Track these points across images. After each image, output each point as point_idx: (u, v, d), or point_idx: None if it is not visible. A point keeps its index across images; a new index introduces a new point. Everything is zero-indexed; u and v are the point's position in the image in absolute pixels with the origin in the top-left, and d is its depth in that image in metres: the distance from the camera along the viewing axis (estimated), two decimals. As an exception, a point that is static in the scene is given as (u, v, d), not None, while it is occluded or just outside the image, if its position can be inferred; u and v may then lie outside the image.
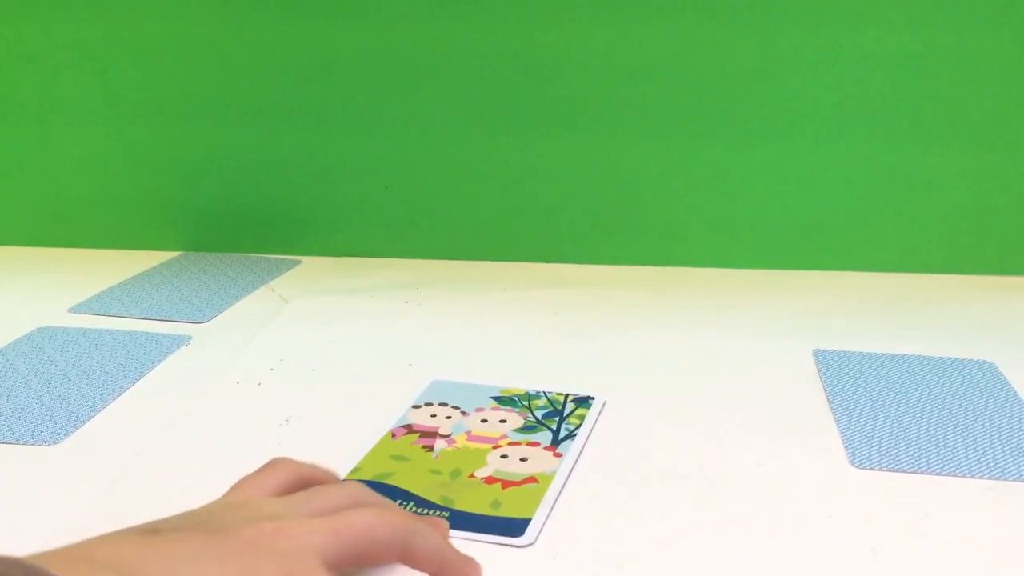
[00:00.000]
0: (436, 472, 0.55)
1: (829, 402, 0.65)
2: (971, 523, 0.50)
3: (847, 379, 0.69)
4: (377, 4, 0.91)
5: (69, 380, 0.69)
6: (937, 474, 0.55)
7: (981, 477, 0.55)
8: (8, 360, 0.72)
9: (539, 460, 0.56)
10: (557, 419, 0.62)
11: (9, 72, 0.97)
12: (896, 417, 0.63)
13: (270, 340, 0.77)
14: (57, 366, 0.71)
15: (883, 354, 0.73)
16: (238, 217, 1.00)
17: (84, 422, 0.62)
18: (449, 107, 0.93)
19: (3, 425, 0.62)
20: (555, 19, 0.89)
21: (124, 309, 0.84)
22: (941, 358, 0.72)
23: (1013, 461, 0.57)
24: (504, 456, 0.57)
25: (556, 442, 0.59)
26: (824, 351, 0.74)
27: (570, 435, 0.60)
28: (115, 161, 0.99)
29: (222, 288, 0.90)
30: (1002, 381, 0.68)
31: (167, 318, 0.82)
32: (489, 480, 0.54)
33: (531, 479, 0.54)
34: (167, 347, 0.75)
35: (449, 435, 0.60)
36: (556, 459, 0.57)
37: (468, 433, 0.60)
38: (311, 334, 0.79)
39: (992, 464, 0.56)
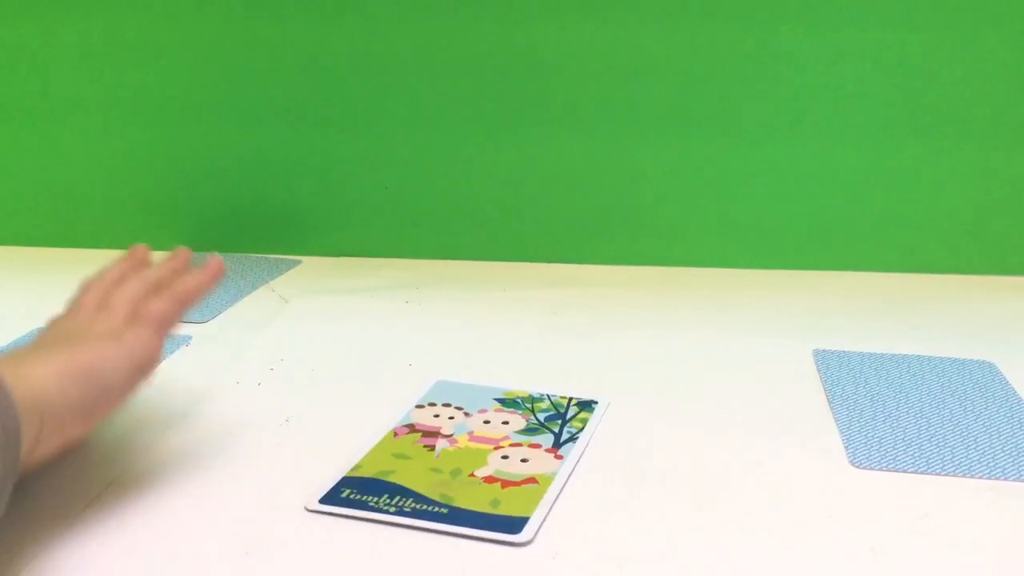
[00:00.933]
0: (437, 471, 0.55)
1: (829, 402, 0.65)
2: (971, 523, 0.50)
3: (847, 379, 0.69)
4: (377, 4, 0.91)
5: (69, 380, 0.68)
6: (937, 474, 0.55)
7: (981, 477, 0.55)
8: (8, 360, 0.72)
9: (540, 461, 0.56)
10: (559, 422, 0.62)
11: (9, 72, 0.97)
12: (896, 417, 0.63)
13: (270, 340, 0.77)
14: (57, 366, 0.71)
15: (883, 354, 0.73)
16: (238, 217, 1.00)
17: (84, 422, 0.62)
18: (449, 107, 0.93)
19: (3, 425, 0.61)
20: (555, 19, 0.89)
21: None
22: (941, 358, 0.72)
23: (1013, 461, 0.57)
24: (505, 457, 0.57)
25: (557, 444, 0.59)
26: (824, 351, 0.74)
27: (572, 438, 0.60)
28: (115, 161, 0.99)
29: (222, 288, 0.89)
30: (1002, 381, 0.68)
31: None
32: (489, 479, 0.54)
33: (531, 479, 0.54)
34: (166, 347, 0.75)
35: (451, 435, 0.60)
36: (557, 461, 0.57)
37: (470, 433, 0.60)
38: (311, 334, 0.79)
39: (992, 464, 0.56)
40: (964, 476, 0.55)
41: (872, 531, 0.49)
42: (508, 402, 0.65)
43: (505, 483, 0.54)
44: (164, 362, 0.73)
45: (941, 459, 0.57)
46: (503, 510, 0.51)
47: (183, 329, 0.80)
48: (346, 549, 0.48)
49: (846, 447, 0.59)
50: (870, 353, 0.73)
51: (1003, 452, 0.58)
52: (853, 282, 0.92)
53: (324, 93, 0.94)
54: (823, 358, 0.73)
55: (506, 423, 0.62)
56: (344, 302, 0.86)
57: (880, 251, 0.94)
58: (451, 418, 0.62)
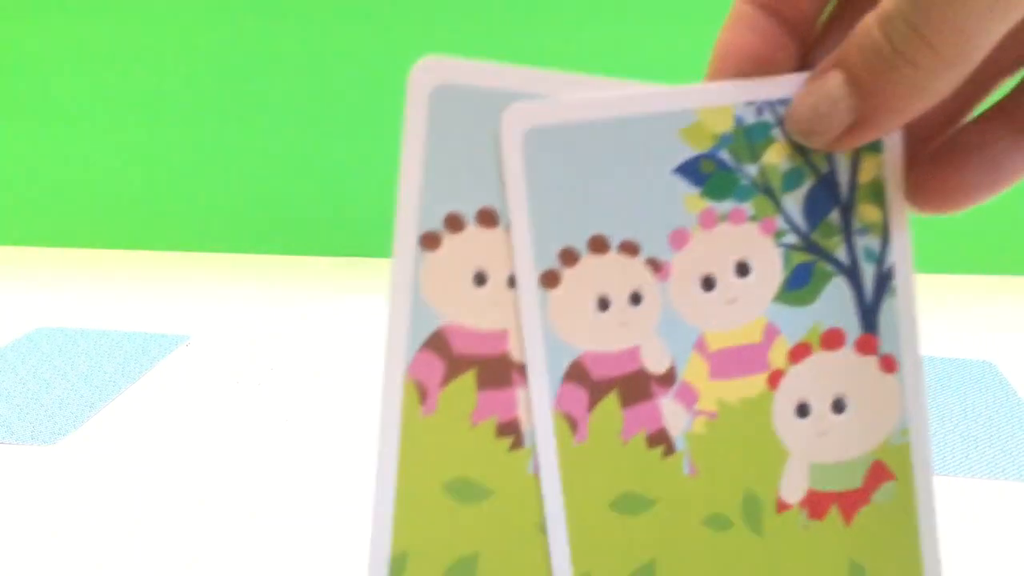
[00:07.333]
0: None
1: (829, 402, 0.65)
2: (971, 523, 0.50)
3: (847, 379, 0.69)
4: (378, 4, 0.91)
5: (68, 381, 0.69)
6: (937, 474, 0.55)
7: (981, 477, 0.55)
8: (7, 361, 0.72)
9: (867, 401, 0.22)
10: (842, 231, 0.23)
11: (9, 72, 0.97)
12: (896, 417, 0.63)
13: (270, 340, 0.77)
14: (56, 367, 0.71)
15: (883, 354, 0.73)
16: (239, 217, 1.00)
17: (83, 422, 0.62)
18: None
19: (3, 425, 0.62)
20: (556, 20, 0.89)
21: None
22: (941, 358, 0.72)
23: (1013, 461, 0.57)
24: (802, 407, 0.22)
25: (871, 318, 0.22)
26: (824, 351, 0.74)
27: (886, 280, 0.22)
28: (115, 161, 0.99)
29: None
30: (1002, 381, 0.68)
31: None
32: (811, 503, 0.22)
33: (879, 469, 0.22)
34: (165, 347, 0.75)
35: (671, 374, 0.22)
36: (893, 380, 0.22)
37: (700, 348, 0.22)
38: (311, 334, 0.79)
39: (992, 464, 0.56)
40: (964, 476, 0.55)
41: (872, 531, 0.49)
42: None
43: (844, 500, 0.22)
44: (162, 362, 0.73)
45: (941, 459, 0.57)
46: None
47: (182, 328, 0.80)
48: None
49: (846, 447, 0.59)
50: (870, 353, 0.73)
51: (1003, 452, 0.58)
52: (853, 282, 0.92)
53: (325, 93, 0.94)
54: (823, 358, 0.72)
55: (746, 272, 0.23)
56: (344, 302, 0.86)
57: (880, 251, 0.93)
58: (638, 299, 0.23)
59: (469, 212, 0.22)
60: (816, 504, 0.22)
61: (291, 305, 0.86)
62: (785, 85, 0.23)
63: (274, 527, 0.50)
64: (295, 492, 0.54)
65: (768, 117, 0.23)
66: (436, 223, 0.22)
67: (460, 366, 0.22)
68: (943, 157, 0.22)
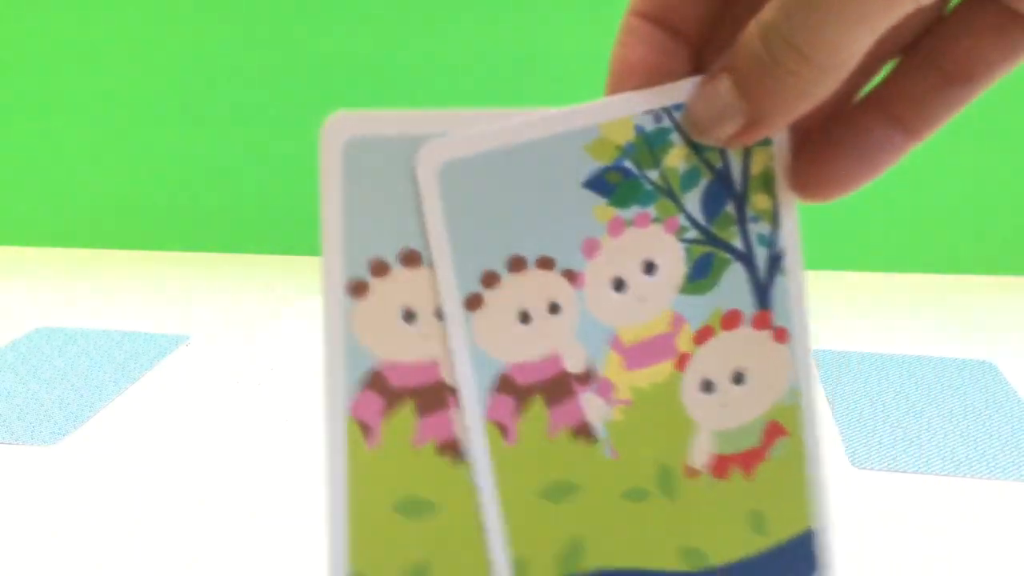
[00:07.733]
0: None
1: (829, 402, 0.65)
2: (971, 523, 0.50)
3: (847, 379, 0.69)
4: (378, 5, 0.91)
5: (68, 380, 0.68)
6: (937, 474, 0.55)
7: (981, 477, 0.55)
8: (7, 361, 0.72)
9: (762, 370, 0.25)
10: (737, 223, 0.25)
11: (10, 72, 0.97)
12: (896, 417, 0.63)
13: (270, 340, 0.77)
14: (56, 367, 0.71)
15: (883, 354, 0.73)
16: (239, 217, 1.00)
17: (83, 422, 0.62)
18: (448, 106, 0.93)
19: (3, 425, 0.62)
20: (554, 19, 0.89)
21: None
22: (941, 358, 0.72)
23: (1013, 461, 0.57)
24: (707, 384, 0.25)
25: (765, 296, 0.24)
26: (824, 351, 0.74)
27: (777, 261, 0.24)
28: (116, 161, 0.99)
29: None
30: (1002, 381, 0.68)
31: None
32: (716, 465, 0.26)
33: (774, 428, 0.26)
34: (165, 347, 0.75)
35: (590, 372, 0.24)
36: (785, 349, 0.25)
37: (615, 344, 0.24)
38: (311, 334, 0.79)
39: (992, 464, 0.56)
40: (964, 476, 0.55)
41: (872, 531, 0.49)
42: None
43: (746, 460, 0.26)
44: (162, 362, 0.73)
45: (941, 459, 0.57)
46: (775, 534, 0.26)
47: (182, 328, 0.80)
48: None
49: (846, 447, 0.59)
50: (870, 353, 0.73)
51: (1003, 452, 0.58)
52: (853, 282, 0.92)
53: (324, 93, 0.94)
54: (823, 358, 0.73)
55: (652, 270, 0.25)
56: (344, 302, 0.86)
57: (880, 251, 0.94)
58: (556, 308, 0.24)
59: (392, 255, 0.23)
60: (720, 466, 0.25)
61: (291, 305, 0.86)
62: (679, 91, 0.24)
63: (274, 527, 0.50)
64: (295, 492, 0.54)
65: (666, 123, 0.24)
66: (361, 271, 0.23)
67: (398, 399, 0.24)
68: (822, 147, 0.24)
